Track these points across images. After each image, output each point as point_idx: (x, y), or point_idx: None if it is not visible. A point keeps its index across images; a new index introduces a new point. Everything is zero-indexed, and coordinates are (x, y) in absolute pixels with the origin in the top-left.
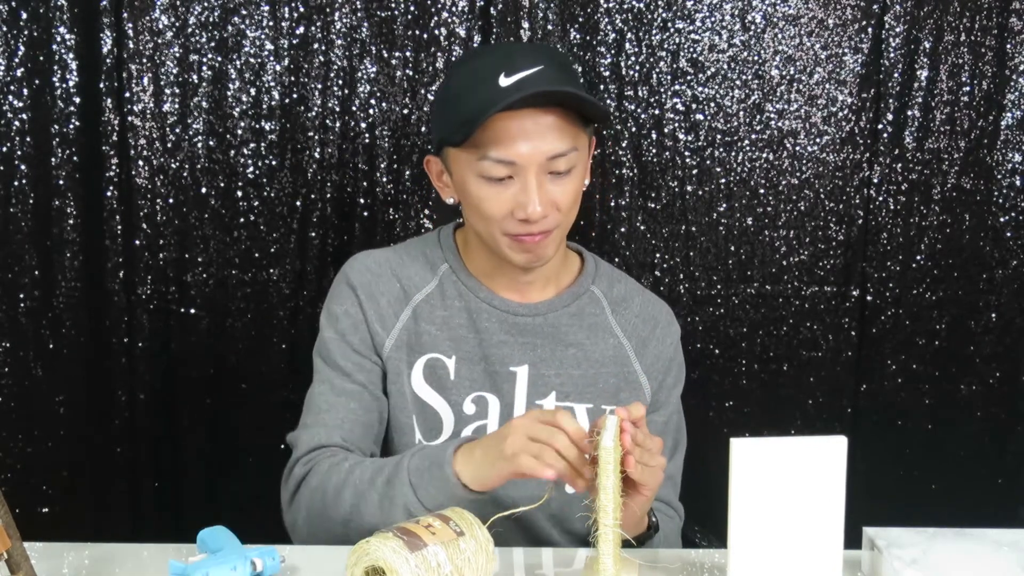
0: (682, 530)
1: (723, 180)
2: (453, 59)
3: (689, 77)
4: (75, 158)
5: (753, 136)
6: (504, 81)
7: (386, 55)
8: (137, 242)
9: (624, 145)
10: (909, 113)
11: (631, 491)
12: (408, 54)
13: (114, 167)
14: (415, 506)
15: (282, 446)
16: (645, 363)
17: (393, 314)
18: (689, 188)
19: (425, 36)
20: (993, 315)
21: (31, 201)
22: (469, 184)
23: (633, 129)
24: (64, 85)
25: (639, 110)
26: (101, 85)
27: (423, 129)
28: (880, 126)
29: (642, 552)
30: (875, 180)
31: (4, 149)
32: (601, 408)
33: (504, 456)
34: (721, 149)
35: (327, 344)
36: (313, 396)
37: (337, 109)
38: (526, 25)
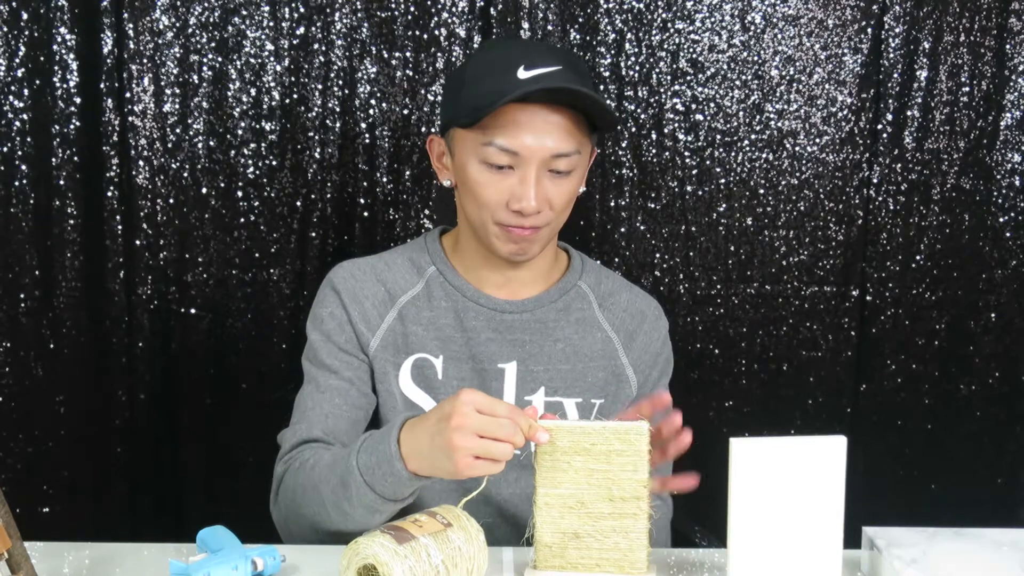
0: (682, 530)
1: (723, 180)
2: (453, 59)
3: (689, 77)
4: (75, 158)
5: (753, 136)
6: (523, 74)
7: (386, 55)
8: (137, 242)
9: (624, 145)
10: (909, 113)
11: None
12: (408, 54)
13: (114, 167)
14: (378, 502)
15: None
16: (632, 356)
17: (378, 315)
18: (689, 188)
19: (425, 36)
20: (993, 315)
21: (31, 201)
22: (470, 167)
23: (633, 129)
24: (64, 85)
25: (639, 110)
26: (101, 85)
27: (423, 129)
28: (880, 126)
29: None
30: (875, 180)
31: (4, 149)
32: (591, 402)
33: (451, 459)
34: (721, 149)
35: (313, 346)
36: (301, 397)
37: (337, 109)
38: (526, 25)
